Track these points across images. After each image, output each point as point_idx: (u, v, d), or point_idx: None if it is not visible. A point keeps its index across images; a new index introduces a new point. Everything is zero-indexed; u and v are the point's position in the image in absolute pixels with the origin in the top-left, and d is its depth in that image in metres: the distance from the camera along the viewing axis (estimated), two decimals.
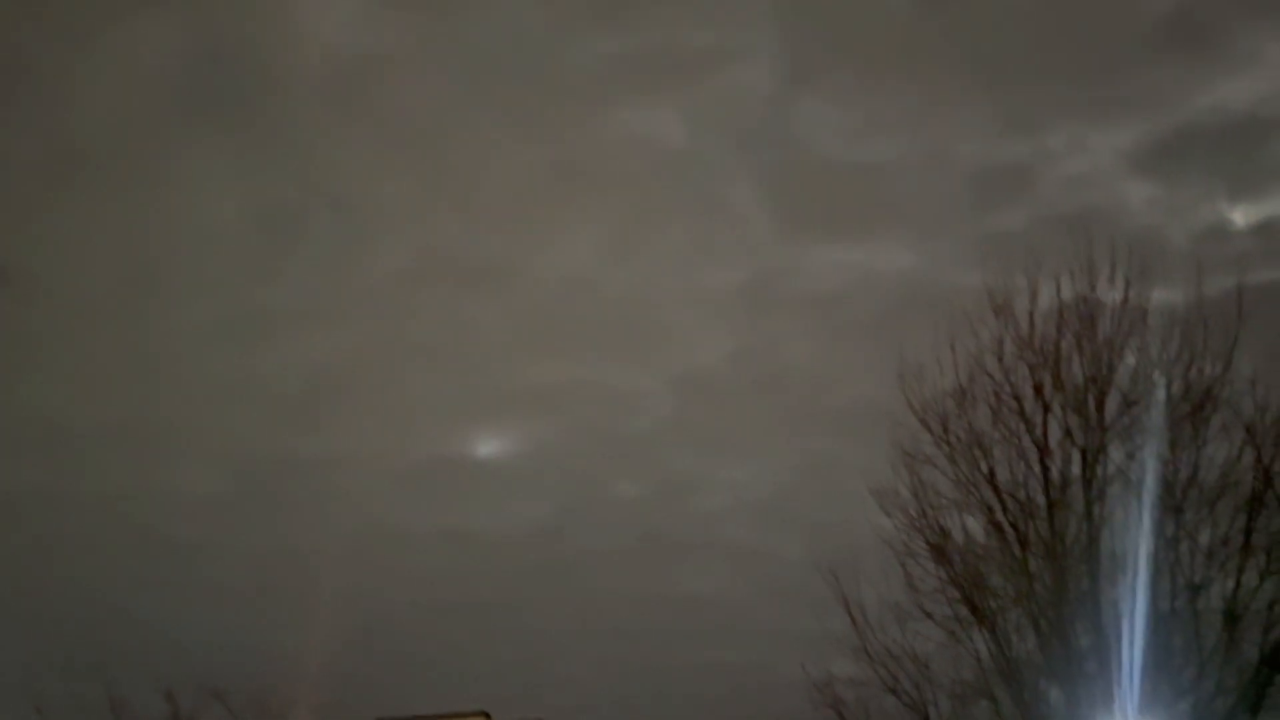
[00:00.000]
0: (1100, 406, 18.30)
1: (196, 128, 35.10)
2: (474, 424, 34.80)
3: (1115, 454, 18.25)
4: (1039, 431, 18.46)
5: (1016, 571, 18.31)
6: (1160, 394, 18.11)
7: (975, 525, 19.00)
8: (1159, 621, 17.44)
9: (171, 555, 30.96)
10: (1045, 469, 18.35)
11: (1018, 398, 18.66)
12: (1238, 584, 17.58)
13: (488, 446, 34.75)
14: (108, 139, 34.40)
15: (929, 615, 18.96)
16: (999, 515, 18.57)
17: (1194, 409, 17.98)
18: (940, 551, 19.03)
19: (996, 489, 18.61)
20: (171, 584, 30.22)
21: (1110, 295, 18.84)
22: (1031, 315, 18.97)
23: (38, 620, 28.24)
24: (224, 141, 35.09)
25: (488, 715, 24.00)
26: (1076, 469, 18.23)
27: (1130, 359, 18.59)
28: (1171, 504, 17.77)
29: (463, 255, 35.22)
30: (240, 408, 34.26)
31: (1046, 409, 18.46)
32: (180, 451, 33.26)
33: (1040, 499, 18.34)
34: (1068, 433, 18.33)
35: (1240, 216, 28.63)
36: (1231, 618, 17.53)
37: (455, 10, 34.21)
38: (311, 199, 36.05)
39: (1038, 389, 18.53)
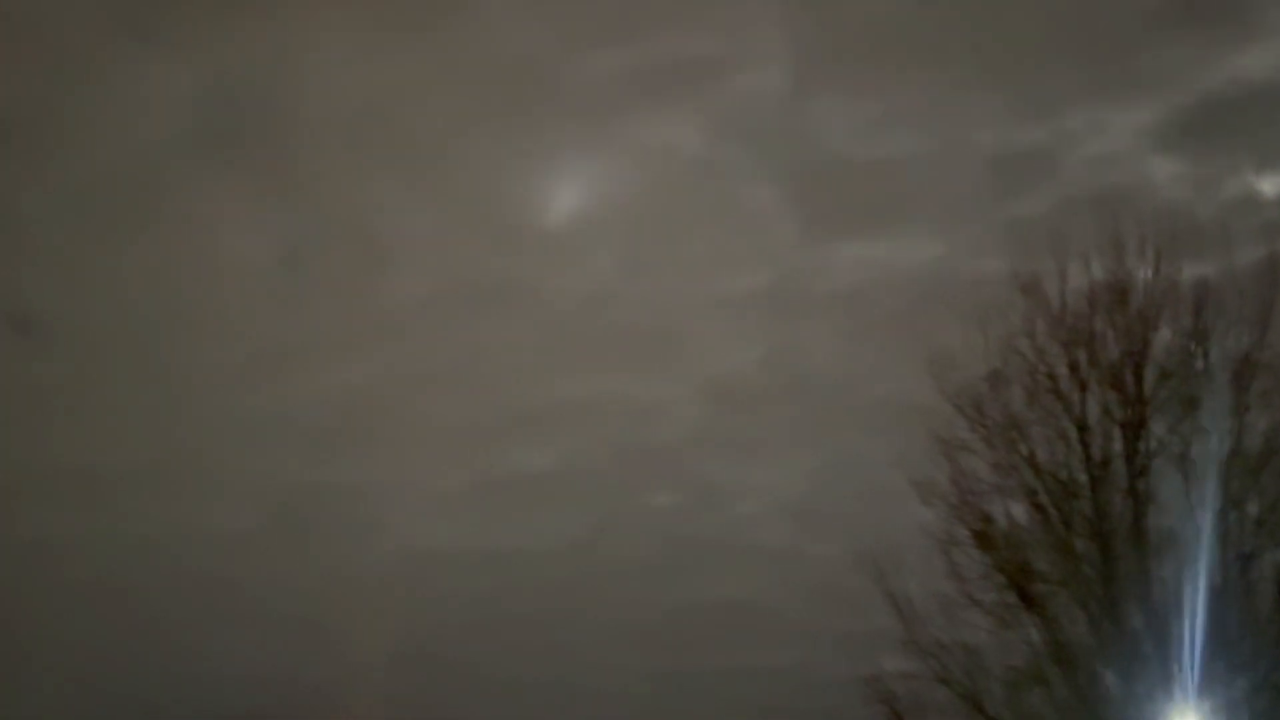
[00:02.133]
0: (1138, 381, 18.06)
1: (213, 168, 35.25)
2: (504, 444, 34.66)
3: (1156, 428, 17.99)
4: (1077, 410, 18.23)
5: (1062, 553, 18.05)
6: (1198, 364, 17.83)
7: (1017, 509, 18.75)
8: (1212, 596, 17.11)
9: (212, 592, 30.92)
10: (1085, 447, 18.10)
11: (1053, 377, 18.43)
12: None
13: (519, 466, 34.56)
14: (126, 184, 34.55)
15: (976, 603, 18.73)
16: (1041, 497, 18.32)
17: (1233, 377, 17.69)
18: (983, 538, 18.78)
19: (1037, 470, 18.37)
20: (214, 620, 30.19)
21: (1140, 270, 18.62)
22: (1062, 294, 18.76)
23: (83, 664, 28.27)
24: (241, 180, 35.20)
25: None
26: (1117, 445, 17.98)
27: (1165, 332, 18.32)
28: (1216, 474, 17.44)
29: (483, 277, 35.19)
30: (271, 442, 34.26)
31: (1083, 386, 18.23)
32: (214, 489, 33.28)
33: (1082, 478, 18.09)
34: (1106, 409, 18.09)
35: (1268, 186, 28.20)
36: None
37: (462, 36, 34.27)
38: (330, 232, 36.11)
39: (1073, 367, 18.31)
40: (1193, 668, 16.89)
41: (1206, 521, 17.23)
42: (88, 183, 34.42)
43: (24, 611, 28.73)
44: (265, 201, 35.50)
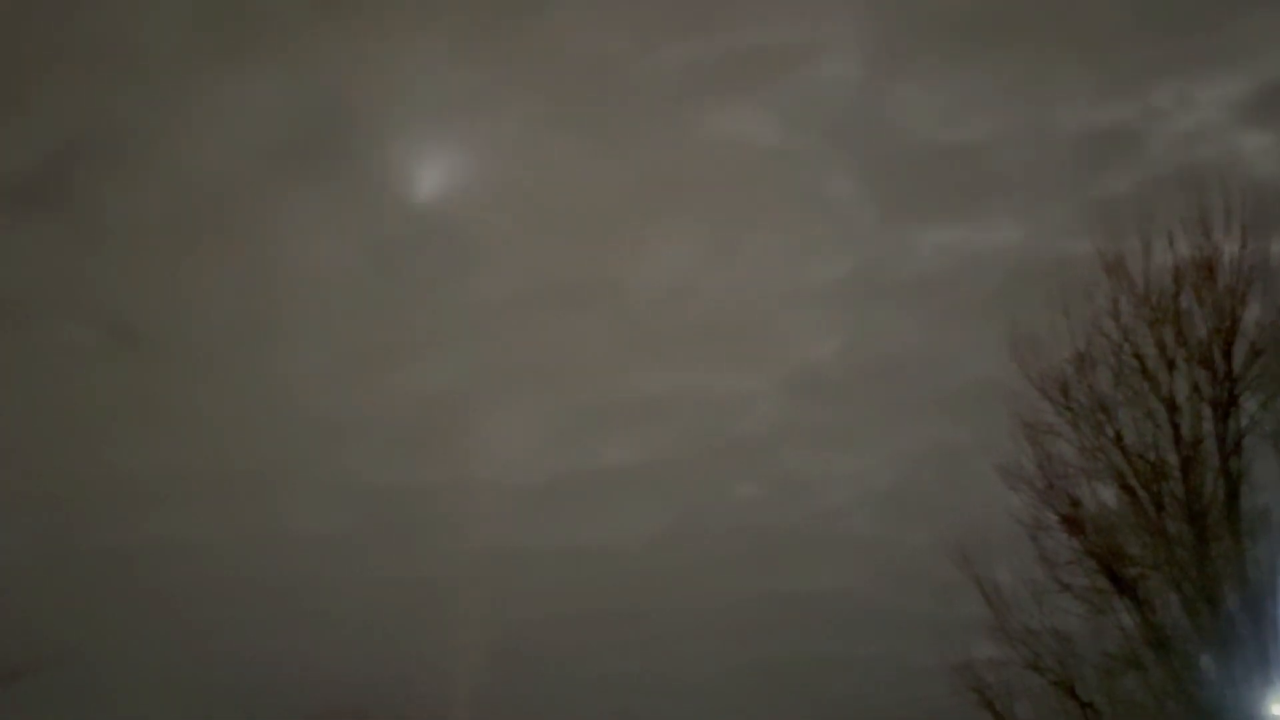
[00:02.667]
0: (1227, 358, 17.64)
1: (294, 176, 35.97)
2: (589, 440, 34.88)
3: (1247, 405, 17.56)
4: (1165, 389, 17.86)
5: (1154, 536, 17.70)
6: None
7: (1106, 492, 18.45)
8: None
9: (302, 594, 31.53)
10: (1175, 427, 17.72)
11: (1140, 357, 18.08)
12: None
13: (605, 461, 34.75)
14: (217, 195, 35.37)
15: (1067, 589, 18.44)
16: (1130, 479, 17.98)
17: None
18: (1073, 522, 18.50)
19: (1125, 452, 18.04)
20: (305, 621, 30.79)
21: (1228, 246, 18.17)
22: (1147, 273, 18.38)
23: (183, 662, 29.01)
24: (327, 187, 35.87)
25: None
26: (1208, 425, 17.60)
27: (1255, 307, 17.87)
28: None
29: (564, 274, 35.44)
30: (358, 444, 34.87)
31: (1172, 366, 17.86)
32: (302, 492, 33.91)
33: (1172, 459, 17.72)
34: (1195, 388, 17.71)
35: None
36: None
37: (537, 37, 34.53)
38: (411, 235, 36.63)
39: (1161, 346, 17.94)
40: None
41: None
42: (180, 196, 35.32)
43: (121, 614, 29.58)
44: (350, 207, 36.14)
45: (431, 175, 35.66)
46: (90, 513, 31.47)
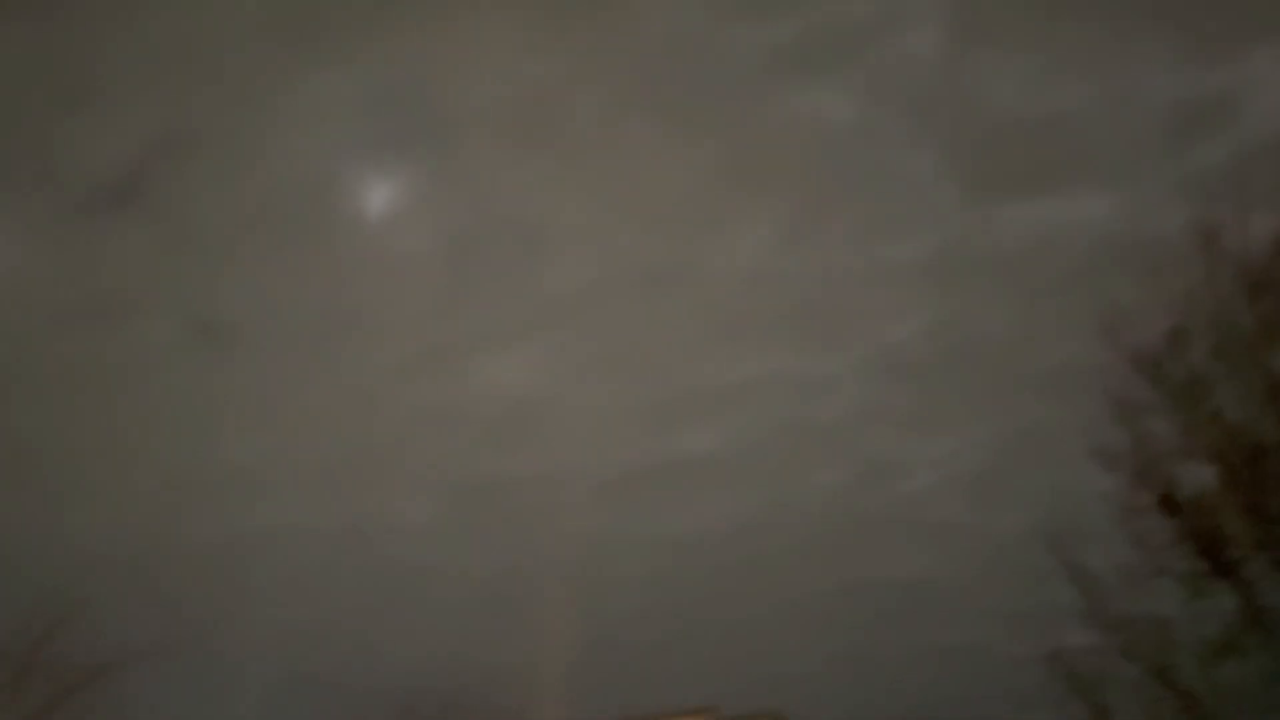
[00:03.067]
0: None
1: (376, 172, 36.35)
2: (672, 428, 34.81)
3: None
4: (1265, 363, 17.14)
5: (1255, 516, 17.02)
6: None
7: (1205, 472, 17.78)
8: None
9: (400, 580, 31.93)
10: (1276, 402, 17.00)
11: (1237, 330, 17.37)
12: None
13: (687, 449, 34.66)
14: (299, 192, 36.02)
15: (1164, 572, 17.85)
16: (1230, 458, 17.31)
17: None
18: (1170, 503, 17.91)
19: (1224, 430, 17.38)
20: (402, 607, 31.16)
21: None
22: (1245, 244, 17.66)
23: (281, 651, 29.50)
24: (408, 180, 36.25)
25: (718, 709, 23.79)
26: None
27: None
28: None
29: (644, 261, 35.40)
30: (445, 435, 35.20)
31: (1272, 339, 17.13)
32: (394, 481, 34.36)
33: (1273, 435, 17.02)
34: None
35: None
36: None
37: (613, 23, 34.44)
38: (494, 226, 36.84)
39: (1259, 318, 17.22)
40: None
41: None
42: (263, 193, 35.96)
43: (222, 604, 30.15)
44: (431, 200, 36.47)
45: (509, 165, 35.79)
46: (190, 505, 32.21)
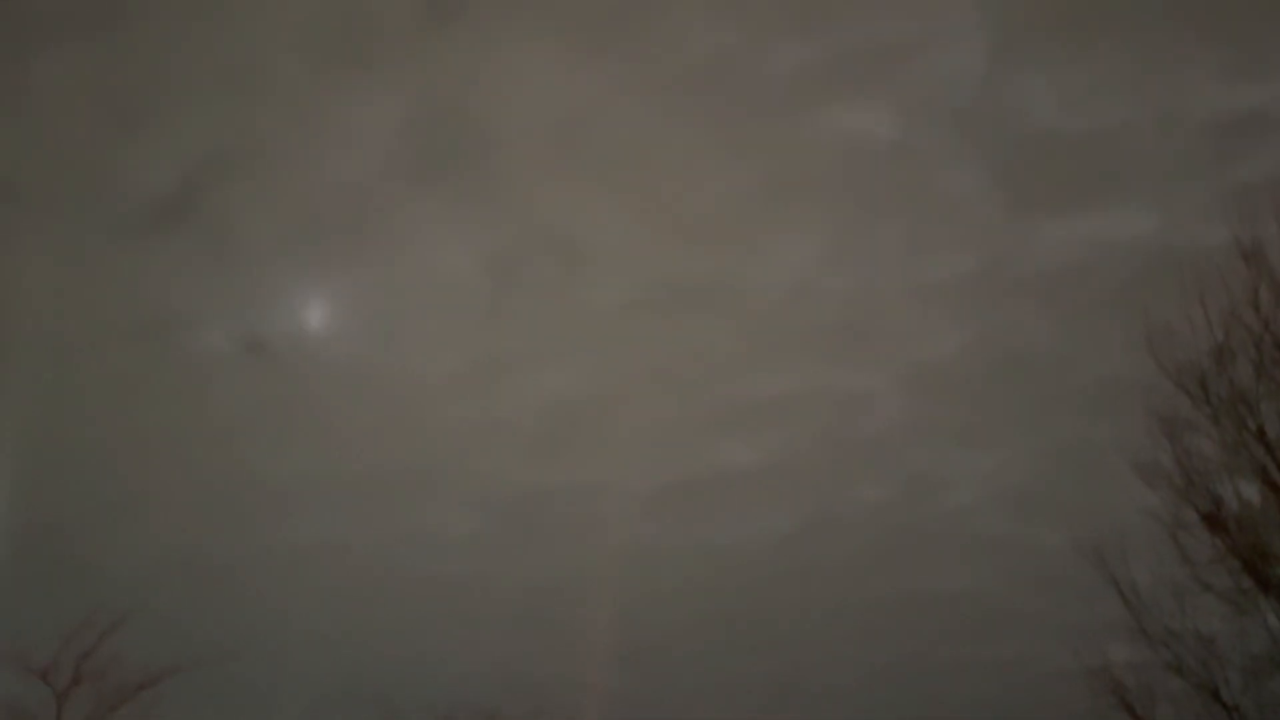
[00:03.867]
0: None
1: (418, 188, 36.71)
2: (713, 442, 34.92)
3: None
4: None
5: None
6: None
7: (1249, 489, 17.80)
8: None
9: (439, 594, 32.22)
10: None
11: None
12: None
13: (728, 462, 34.75)
14: (342, 209, 36.38)
15: (1209, 588, 17.86)
16: (1274, 474, 17.35)
17: None
18: (1214, 520, 17.91)
19: (1268, 446, 17.40)
20: (443, 620, 31.47)
21: None
22: None
23: (325, 664, 29.87)
24: (448, 199, 36.57)
25: None
26: None
27: None
28: None
29: (684, 277, 35.55)
30: (487, 449, 35.48)
31: None
32: (436, 495, 34.66)
33: None
34: None
35: None
36: None
37: (653, 41, 34.70)
38: (534, 243, 37.12)
39: None
40: None
41: None
42: (309, 210, 36.40)
43: (264, 616, 30.56)
44: (471, 218, 36.78)
45: (549, 183, 36.11)
46: (232, 518, 32.65)
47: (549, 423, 35.60)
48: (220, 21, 34.90)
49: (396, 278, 36.55)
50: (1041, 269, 32.97)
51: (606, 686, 26.56)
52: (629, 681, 28.29)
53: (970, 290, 33.58)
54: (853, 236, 35.29)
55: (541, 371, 35.92)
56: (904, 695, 28.02)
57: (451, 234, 36.58)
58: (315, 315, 36.36)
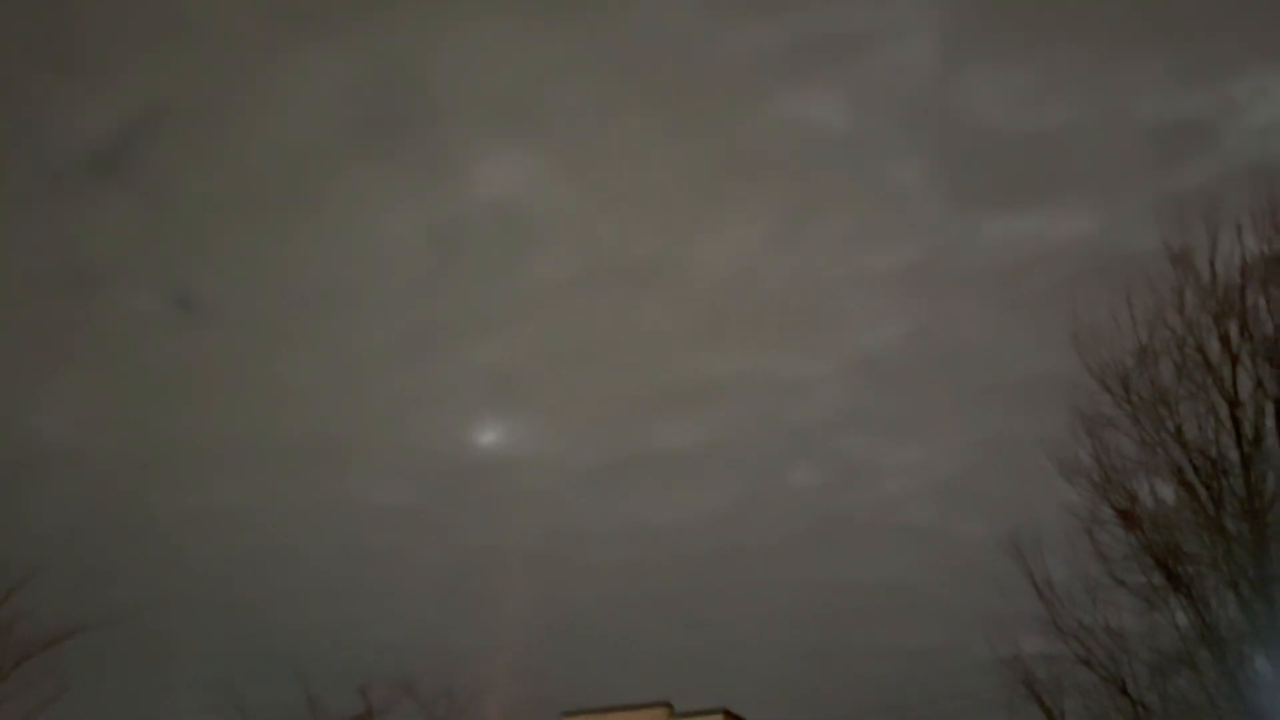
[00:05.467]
0: None
1: (364, 153, 36.41)
2: (650, 421, 35.04)
3: None
4: (1228, 384, 17.43)
5: (1212, 533, 17.30)
6: None
7: (1165, 487, 18.06)
8: None
9: (365, 562, 32.08)
10: (1237, 423, 17.30)
11: (1202, 350, 17.66)
12: None
13: (665, 442, 34.89)
14: (281, 169, 35.96)
15: (1121, 584, 18.13)
16: (1189, 474, 17.59)
17: None
18: (1129, 517, 18.15)
19: (1185, 447, 17.65)
20: (365, 589, 31.33)
21: None
22: (1213, 264, 17.92)
23: (241, 627, 29.64)
24: (390, 164, 36.30)
25: (670, 706, 24.03)
26: (1270, 421, 17.14)
27: None
28: None
29: (627, 255, 35.58)
30: (423, 419, 35.33)
31: (1235, 360, 17.42)
32: (370, 463, 34.48)
33: (1233, 454, 17.31)
34: (1259, 384, 17.28)
35: None
36: None
37: (608, 16, 34.56)
38: (479, 214, 36.93)
39: (1224, 339, 17.50)
40: None
41: None
42: (250, 170, 35.95)
43: (185, 578, 30.26)
44: (417, 186, 36.52)
45: (498, 155, 35.90)
46: (152, 477, 32.28)
47: (486, 395, 35.53)
48: None
49: (337, 242, 36.22)
50: (981, 264, 33.40)
51: (525, 660, 26.56)
52: (550, 655, 28.33)
53: (910, 282, 33.92)
54: (799, 223, 35.54)
55: (480, 343, 35.82)
56: (818, 677, 28.32)
57: (395, 201, 36.32)
58: (250, 276, 35.96)
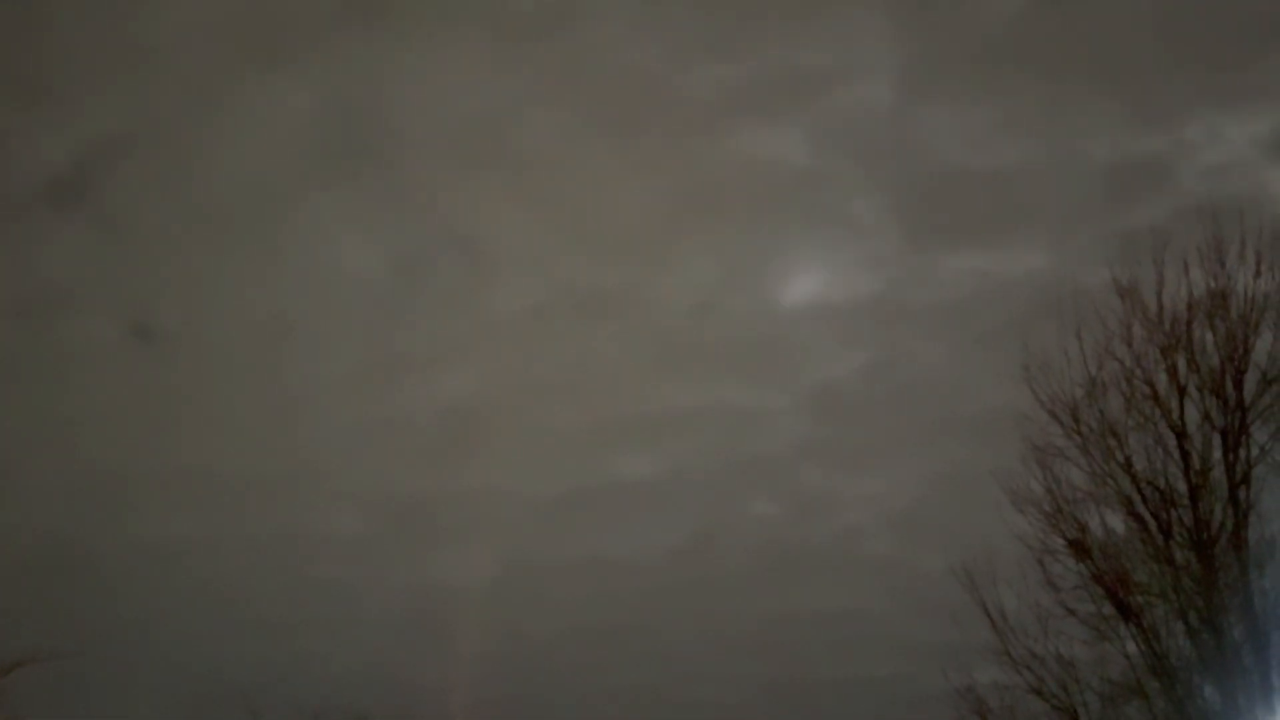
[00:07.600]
0: (1238, 387, 17.53)
1: (325, 181, 36.26)
2: (608, 453, 34.94)
3: (1257, 435, 17.46)
4: (1176, 415, 17.75)
5: (1161, 563, 17.58)
6: None
7: (1114, 518, 18.35)
8: None
9: (320, 595, 31.73)
10: (1185, 454, 17.62)
11: (1150, 383, 17.99)
12: None
13: (623, 474, 34.79)
14: (241, 196, 35.75)
15: (1072, 614, 18.35)
16: (1138, 505, 17.88)
17: None
18: (1079, 547, 18.40)
19: (1134, 478, 17.94)
20: (320, 622, 30.97)
21: (1243, 276, 18.08)
22: (1160, 297, 18.29)
23: (194, 659, 29.24)
24: (352, 193, 36.19)
25: None
26: (1217, 453, 17.48)
27: (1267, 338, 17.77)
28: None
29: (589, 287, 35.64)
30: (379, 450, 35.05)
31: (1182, 392, 17.76)
32: (324, 495, 34.16)
33: (1181, 486, 17.62)
34: (1206, 416, 17.61)
35: None
36: None
37: (571, 50, 34.80)
38: (438, 244, 36.93)
39: (1171, 372, 17.83)
40: None
41: None
42: (208, 198, 35.76)
43: (140, 608, 29.86)
44: (377, 216, 36.44)
45: (458, 185, 35.93)
46: (102, 508, 31.83)
47: (442, 427, 35.32)
48: (123, 1, 34.26)
49: (296, 272, 36.05)
50: (937, 299, 33.71)
51: (480, 694, 26.38)
52: (505, 689, 28.15)
53: (868, 317, 34.20)
54: (758, 257, 35.74)
55: (439, 374, 35.65)
56: (785, 711, 28.30)
57: (355, 230, 36.20)
58: (208, 304, 35.69)
